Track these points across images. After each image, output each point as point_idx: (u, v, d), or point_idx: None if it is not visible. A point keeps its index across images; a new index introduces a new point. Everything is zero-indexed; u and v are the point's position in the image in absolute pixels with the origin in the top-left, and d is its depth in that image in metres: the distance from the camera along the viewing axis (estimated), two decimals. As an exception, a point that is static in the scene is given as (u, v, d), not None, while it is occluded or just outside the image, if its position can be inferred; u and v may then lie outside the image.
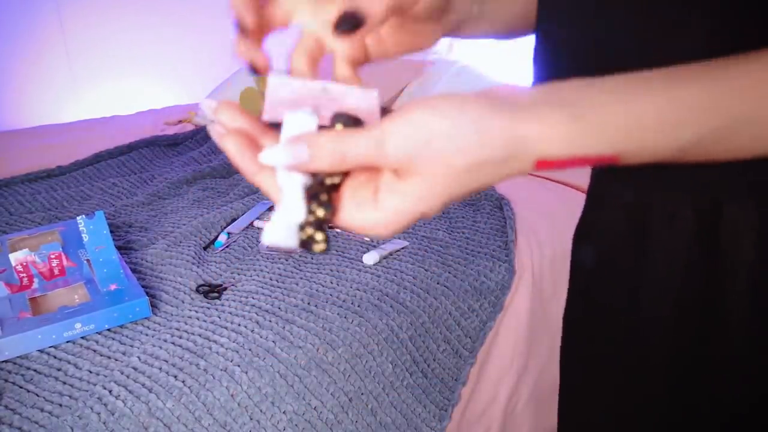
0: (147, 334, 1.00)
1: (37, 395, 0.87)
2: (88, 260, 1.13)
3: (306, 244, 0.35)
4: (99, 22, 2.58)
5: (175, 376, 0.90)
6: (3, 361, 0.93)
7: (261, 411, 0.92)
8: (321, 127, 0.36)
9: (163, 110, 2.51)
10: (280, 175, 0.35)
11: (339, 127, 0.35)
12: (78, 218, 1.05)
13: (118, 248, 1.27)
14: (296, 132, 0.35)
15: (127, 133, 2.11)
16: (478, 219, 1.40)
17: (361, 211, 0.34)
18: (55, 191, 1.64)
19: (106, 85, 2.67)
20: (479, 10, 0.45)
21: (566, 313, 0.60)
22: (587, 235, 0.55)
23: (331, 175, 0.35)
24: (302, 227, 0.35)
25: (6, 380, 0.89)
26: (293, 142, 0.33)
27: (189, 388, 0.89)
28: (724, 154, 0.33)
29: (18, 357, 0.94)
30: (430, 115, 0.32)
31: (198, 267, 1.21)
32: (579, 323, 0.58)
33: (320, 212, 0.34)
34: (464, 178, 0.32)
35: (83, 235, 1.04)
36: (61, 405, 0.85)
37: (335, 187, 0.35)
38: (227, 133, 0.35)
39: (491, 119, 0.32)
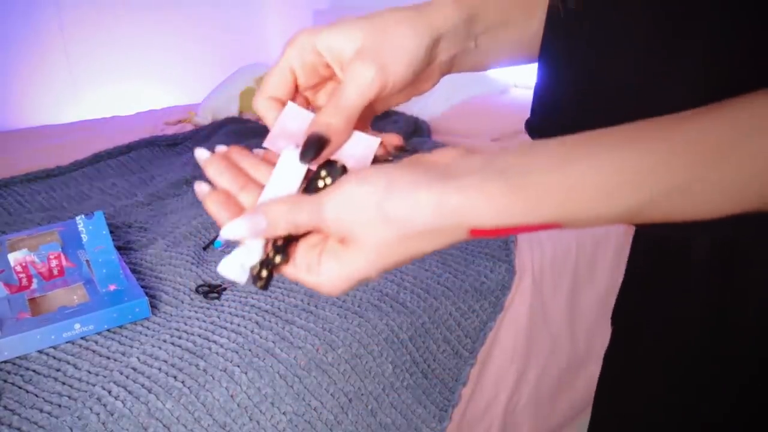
0: (146, 335, 1.00)
1: (37, 396, 0.86)
2: (87, 260, 1.13)
3: (253, 280, 0.39)
4: (99, 24, 2.58)
5: (175, 377, 0.90)
6: (2, 362, 0.93)
7: (261, 412, 0.91)
8: (308, 171, 0.40)
9: (162, 111, 2.51)
10: None
11: (323, 173, 0.39)
12: (77, 218, 1.05)
13: (118, 248, 1.27)
14: (287, 172, 0.40)
15: (127, 134, 2.11)
16: (478, 219, 1.40)
17: (308, 273, 0.36)
18: (54, 191, 1.64)
19: (106, 86, 2.67)
20: (476, 44, 0.46)
21: (614, 309, 0.62)
22: (634, 245, 0.57)
23: None
24: (254, 266, 0.39)
25: (5, 381, 0.89)
26: (251, 215, 0.37)
27: (188, 388, 0.88)
28: (681, 216, 0.32)
29: (17, 357, 0.94)
30: (360, 188, 0.34)
31: (197, 267, 1.21)
32: (617, 321, 0.61)
33: (277, 259, 0.38)
34: (399, 247, 0.34)
35: (82, 236, 1.04)
36: (60, 405, 0.85)
37: (294, 238, 0.39)
38: (209, 194, 0.39)
39: (420, 192, 0.32)
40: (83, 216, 1.05)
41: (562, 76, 0.45)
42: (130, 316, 1.02)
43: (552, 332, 1.29)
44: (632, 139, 0.31)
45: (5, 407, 0.84)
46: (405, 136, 1.84)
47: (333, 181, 0.39)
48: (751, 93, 0.31)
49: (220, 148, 0.42)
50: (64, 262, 1.16)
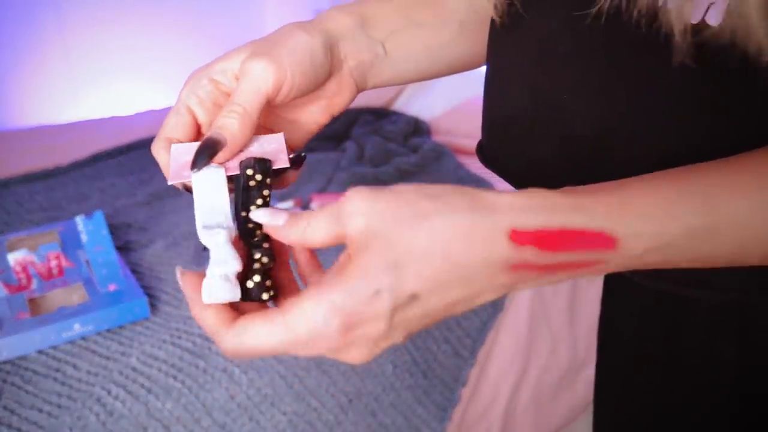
0: (146, 335, 1.00)
1: (36, 396, 0.86)
2: (86, 260, 1.13)
3: (253, 292, 0.36)
4: (98, 24, 2.58)
5: (174, 377, 0.90)
6: (1, 362, 0.93)
7: (260, 412, 0.91)
8: (230, 177, 0.37)
9: (162, 111, 2.50)
10: (203, 234, 0.35)
11: (249, 172, 0.36)
12: (77, 218, 1.05)
13: (117, 248, 1.27)
14: (208, 189, 0.37)
15: (126, 134, 2.11)
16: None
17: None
18: (53, 191, 1.63)
19: (106, 86, 2.67)
20: (385, 50, 0.45)
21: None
22: None
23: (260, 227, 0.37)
24: (249, 276, 0.36)
25: (4, 381, 0.89)
26: (276, 210, 0.34)
27: (188, 388, 0.88)
28: (740, 253, 0.30)
29: (16, 357, 0.94)
30: (382, 193, 0.30)
31: (197, 267, 1.21)
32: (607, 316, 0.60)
33: (265, 259, 0.36)
34: (451, 277, 0.29)
35: (82, 236, 1.04)
36: (59, 406, 0.84)
37: (267, 237, 0.37)
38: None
39: (453, 196, 0.30)
40: (83, 216, 1.05)
41: (508, 96, 0.43)
42: (129, 316, 1.02)
43: (552, 332, 1.28)
44: (688, 171, 0.30)
45: (5, 407, 0.84)
46: (404, 136, 1.83)
47: (264, 177, 0.37)
48: None
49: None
50: (63, 262, 1.16)
